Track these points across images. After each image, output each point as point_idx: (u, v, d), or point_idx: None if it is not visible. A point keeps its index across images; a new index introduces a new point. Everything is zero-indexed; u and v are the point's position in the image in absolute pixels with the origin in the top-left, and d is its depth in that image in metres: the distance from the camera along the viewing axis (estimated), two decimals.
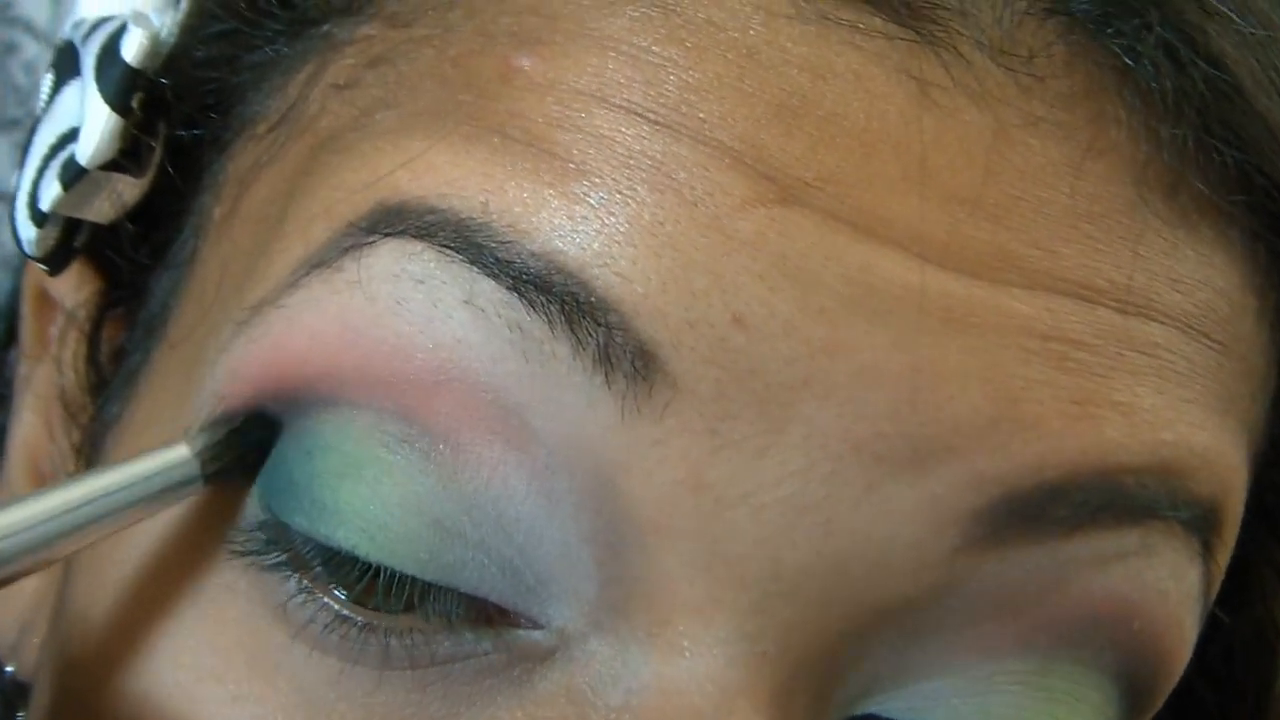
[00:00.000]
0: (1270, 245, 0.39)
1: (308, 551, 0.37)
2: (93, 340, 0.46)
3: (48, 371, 0.47)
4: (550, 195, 0.35)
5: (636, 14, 0.36)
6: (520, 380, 0.36)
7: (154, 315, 0.43)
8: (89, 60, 0.42)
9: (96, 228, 0.44)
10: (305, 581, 0.37)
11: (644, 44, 0.36)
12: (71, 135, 0.42)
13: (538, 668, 0.37)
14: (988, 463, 0.36)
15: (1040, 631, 0.38)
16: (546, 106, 0.36)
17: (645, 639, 0.36)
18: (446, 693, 0.37)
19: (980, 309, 0.36)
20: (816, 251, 0.35)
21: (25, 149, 0.44)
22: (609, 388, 0.35)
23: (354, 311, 0.36)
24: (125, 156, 0.42)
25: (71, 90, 0.43)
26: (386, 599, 0.37)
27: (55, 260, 0.44)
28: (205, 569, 0.38)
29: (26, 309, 0.48)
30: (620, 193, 0.35)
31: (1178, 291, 0.38)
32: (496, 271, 0.35)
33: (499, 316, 0.36)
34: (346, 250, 0.37)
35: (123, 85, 0.41)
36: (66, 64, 0.43)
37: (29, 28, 0.63)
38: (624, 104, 0.36)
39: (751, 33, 0.36)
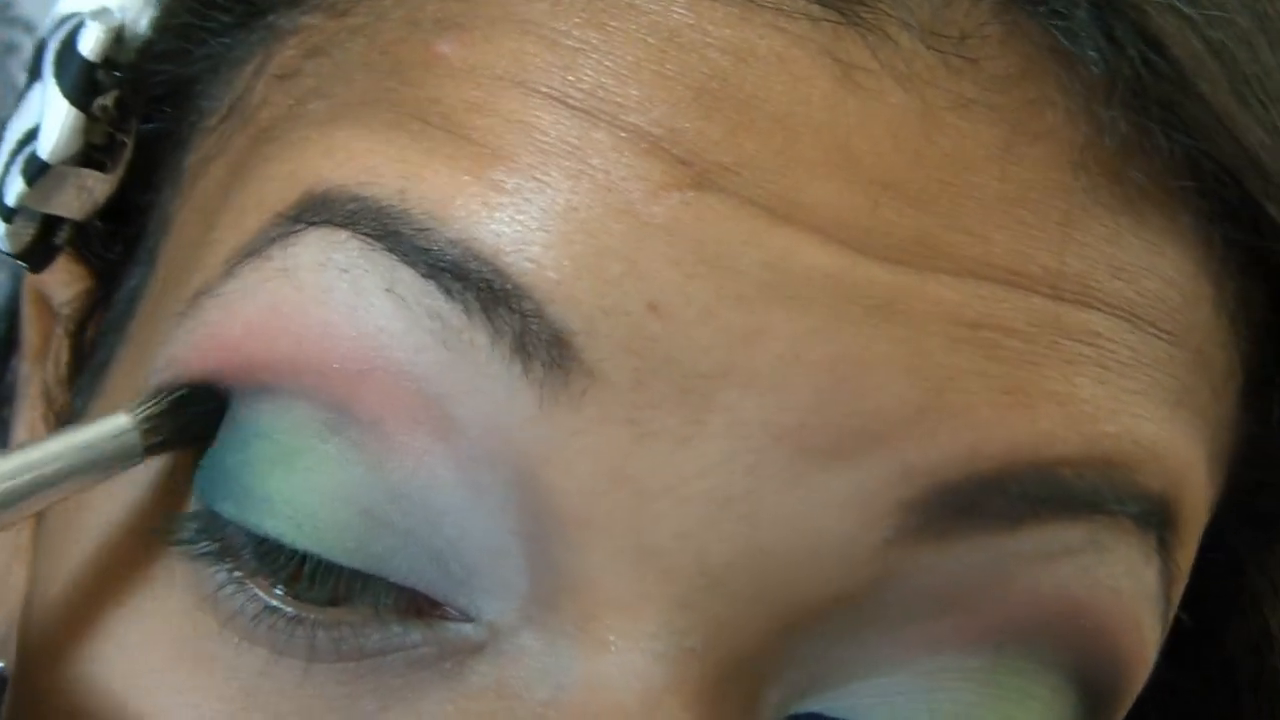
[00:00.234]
0: (1226, 233, 0.38)
1: (238, 540, 0.37)
2: (78, 337, 0.46)
3: (40, 371, 0.48)
4: (467, 181, 0.35)
5: None
6: (442, 369, 0.35)
7: (121, 311, 0.43)
8: (49, 56, 0.42)
9: (79, 224, 0.44)
10: (236, 571, 0.37)
11: (564, 28, 0.36)
12: (35, 132, 0.42)
13: (468, 661, 0.37)
14: (916, 453, 0.35)
15: (986, 628, 0.37)
16: (465, 92, 0.36)
17: (574, 633, 0.36)
18: (378, 685, 0.37)
19: (905, 296, 0.35)
20: (733, 237, 0.35)
21: None
22: (527, 376, 0.35)
23: (283, 300, 0.36)
24: (97, 152, 0.42)
25: (39, 88, 0.43)
26: (314, 588, 0.37)
27: (34, 257, 0.45)
28: (147, 558, 0.38)
29: (28, 310, 0.49)
30: (536, 178, 0.35)
31: (1120, 279, 0.37)
32: (414, 259, 0.35)
33: (419, 305, 0.35)
34: (275, 239, 0.37)
35: (80, 79, 0.41)
36: (36, 63, 0.44)
37: (29, 28, 0.64)
38: (542, 89, 0.35)
39: (674, 15, 0.36)
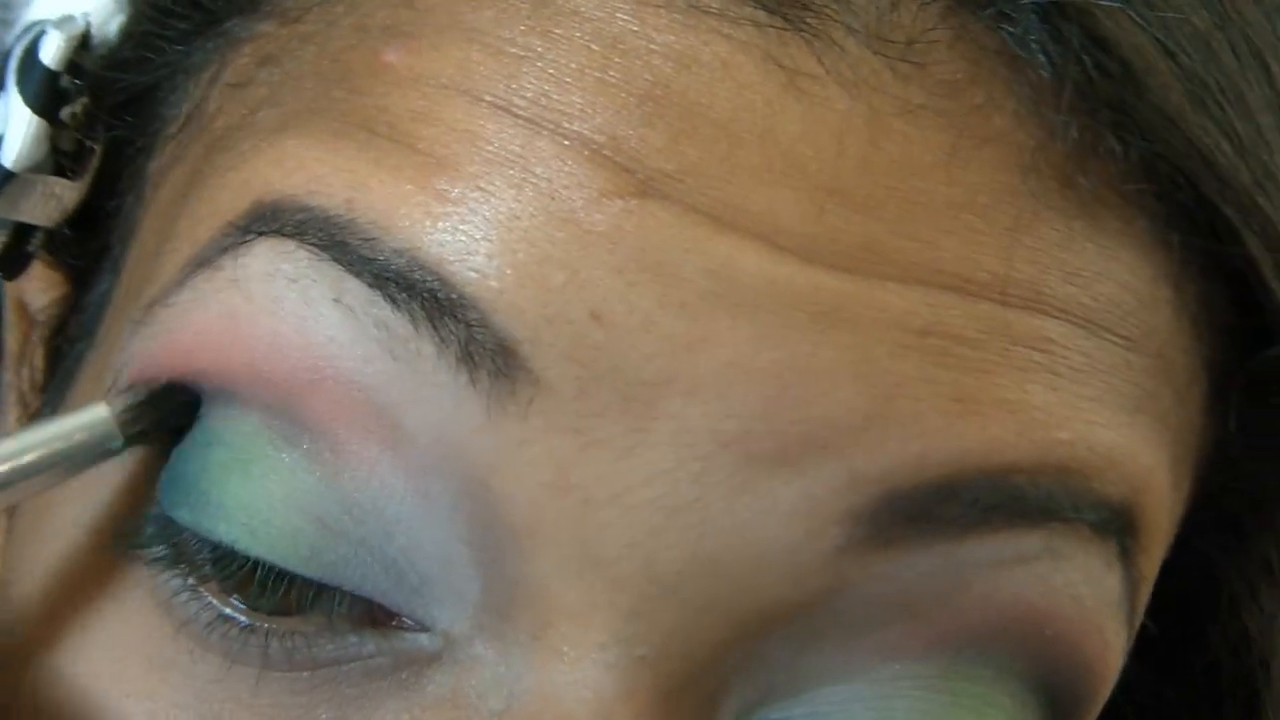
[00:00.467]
0: (1184, 236, 0.37)
1: (193, 547, 0.37)
2: (53, 343, 0.46)
3: (17, 380, 0.48)
4: (411, 191, 0.35)
5: (504, 5, 0.36)
6: (390, 379, 0.35)
7: (90, 317, 0.43)
8: (12, 65, 0.42)
9: (52, 232, 0.44)
10: (190, 579, 0.37)
11: (508, 35, 0.36)
12: (0, 140, 0.42)
13: (425, 670, 0.37)
14: (864, 461, 0.35)
15: (941, 635, 0.37)
16: (412, 101, 0.36)
17: (528, 642, 0.36)
18: (333, 695, 0.37)
19: (851, 303, 0.35)
20: (676, 245, 0.34)
21: None
22: (474, 386, 0.35)
23: (234, 310, 0.36)
24: (65, 159, 0.43)
25: (2, 96, 0.43)
26: (267, 597, 0.37)
27: (7, 265, 0.45)
28: (107, 562, 0.38)
29: (8, 317, 0.49)
30: (480, 188, 0.35)
31: (1073, 284, 0.36)
32: (360, 269, 0.35)
33: (366, 315, 0.35)
34: (226, 249, 0.37)
35: (42, 88, 0.41)
36: (0, 71, 0.44)
37: None
38: (487, 98, 0.35)
39: (617, 22, 0.35)
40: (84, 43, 0.42)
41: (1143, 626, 0.41)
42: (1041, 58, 0.35)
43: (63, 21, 0.42)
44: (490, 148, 0.35)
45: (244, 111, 0.39)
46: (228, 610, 0.37)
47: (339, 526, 0.36)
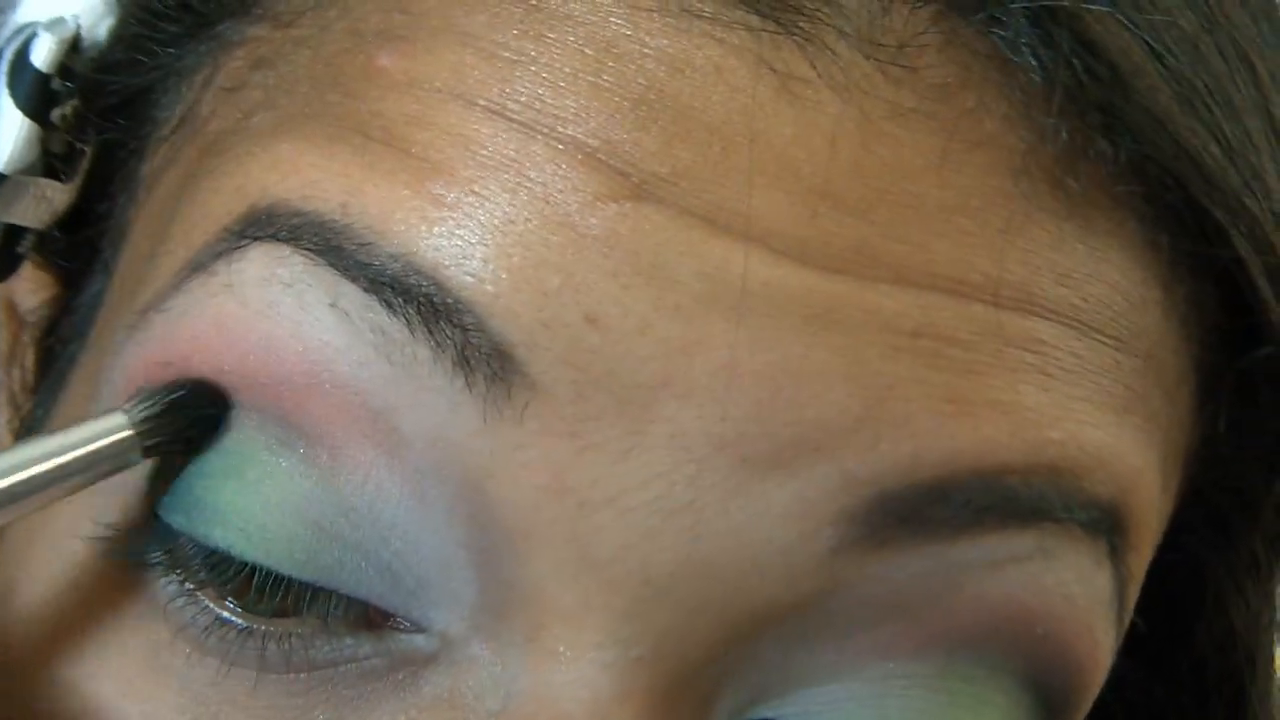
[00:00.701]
0: (1173, 237, 0.38)
1: (188, 551, 0.37)
2: (43, 344, 0.46)
3: (8, 378, 0.48)
4: (407, 195, 0.35)
5: (498, 9, 0.36)
6: (386, 383, 0.35)
7: (83, 318, 0.43)
8: (3, 67, 0.42)
9: (42, 234, 0.44)
10: (187, 584, 0.37)
11: (502, 39, 0.36)
12: None
13: (421, 672, 0.37)
14: (857, 462, 0.35)
15: (935, 635, 0.37)
16: (406, 105, 0.36)
17: (524, 643, 0.36)
18: (330, 696, 0.37)
19: (843, 305, 0.35)
20: (670, 248, 0.35)
21: None
22: (470, 390, 0.35)
23: (228, 315, 0.37)
24: (56, 161, 0.43)
25: None
26: (264, 600, 0.37)
27: None
28: (104, 568, 0.38)
29: None
30: (475, 192, 0.35)
31: (1064, 286, 0.36)
32: (356, 274, 0.35)
33: (362, 320, 0.35)
34: (221, 254, 0.37)
35: (33, 90, 0.41)
36: None
37: None
38: (481, 102, 0.35)
39: (611, 26, 0.35)
40: (74, 45, 0.42)
41: (1132, 624, 0.41)
42: (1032, 61, 0.36)
43: (53, 24, 0.42)
44: (485, 152, 0.35)
45: (238, 115, 0.39)
46: (225, 614, 0.37)
47: (335, 530, 0.36)
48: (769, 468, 0.35)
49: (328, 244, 0.36)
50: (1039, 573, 0.37)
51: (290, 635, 0.37)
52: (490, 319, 0.35)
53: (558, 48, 0.35)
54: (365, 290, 0.35)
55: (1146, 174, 0.37)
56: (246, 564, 0.37)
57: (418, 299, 0.35)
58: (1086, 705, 0.40)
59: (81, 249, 0.44)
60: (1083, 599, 0.38)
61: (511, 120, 0.35)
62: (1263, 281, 0.39)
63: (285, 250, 0.36)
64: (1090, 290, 0.37)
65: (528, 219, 0.35)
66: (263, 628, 0.37)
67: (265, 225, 0.36)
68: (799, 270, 0.35)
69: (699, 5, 0.35)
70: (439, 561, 0.36)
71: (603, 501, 0.35)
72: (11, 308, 0.48)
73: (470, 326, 0.35)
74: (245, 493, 0.37)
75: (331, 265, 0.36)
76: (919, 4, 0.36)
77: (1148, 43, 0.37)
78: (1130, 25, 0.36)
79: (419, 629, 0.37)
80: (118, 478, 0.38)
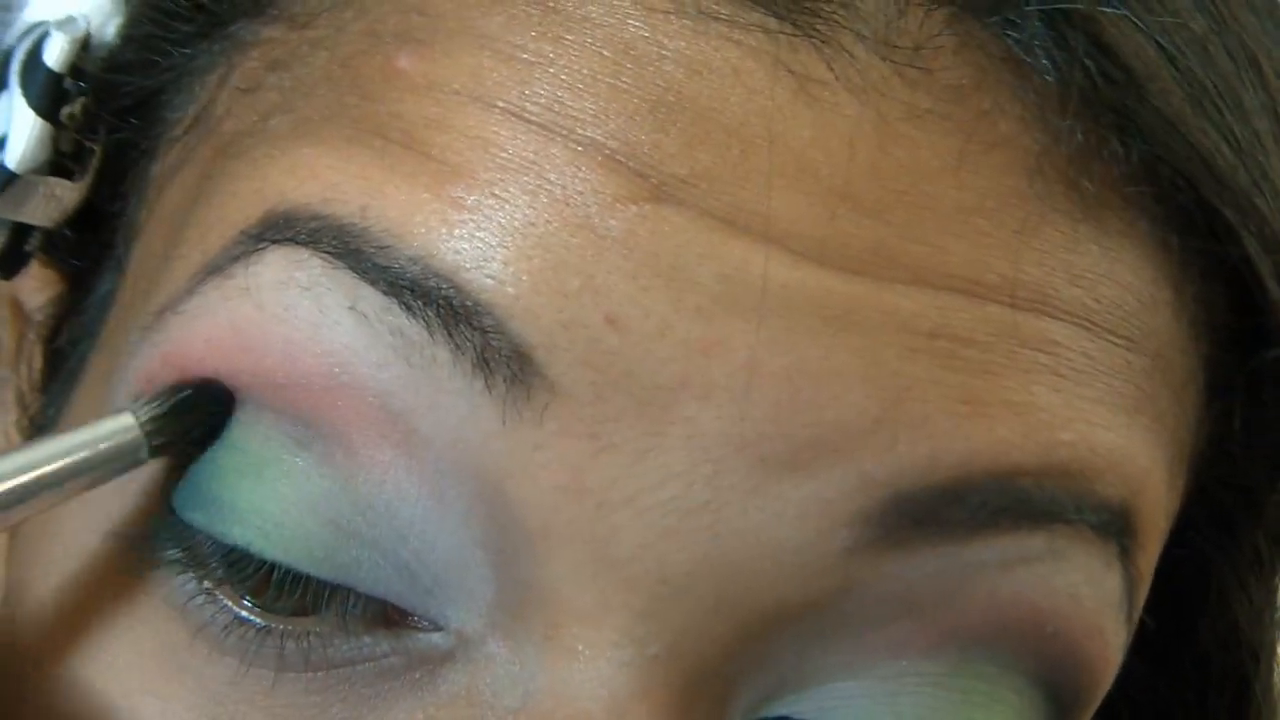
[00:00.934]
0: (1183, 237, 0.38)
1: (206, 550, 0.37)
2: (51, 343, 0.46)
3: (15, 377, 0.48)
4: (426, 199, 0.35)
5: (515, 11, 0.36)
6: (405, 385, 0.36)
7: (93, 318, 0.43)
8: (15, 66, 0.42)
9: (50, 232, 0.44)
10: (206, 583, 0.37)
11: (520, 41, 0.36)
12: (3, 141, 0.42)
13: (438, 670, 0.37)
14: (874, 463, 0.35)
15: (947, 633, 0.38)
16: (425, 108, 0.36)
17: (541, 642, 0.36)
18: (347, 695, 0.37)
19: (861, 306, 0.35)
20: (690, 249, 0.35)
21: None
22: (489, 392, 0.35)
23: (244, 318, 0.37)
24: (66, 160, 0.43)
25: (4, 97, 0.43)
26: (283, 598, 0.37)
27: (5, 264, 0.45)
28: (120, 567, 0.39)
29: (2, 314, 0.49)
30: (494, 194, 0.35)
31: (1077, 286, 0.37)
32: (375, 277, 0.35)
33: (381, 322, 0.36)
34: (237, 257, 0.37)
35: (46, 89, 0.41)
36: (3, 71, 0.44)
37: None
38: (499, 104, 0.36)
39: (629, 28, 0.36)
40: (84, 45, 0.42)
41: (1139, 620, 0.41)
42: (1046, 63, 0.36)
43: (65, 23, 0.42)
44: (504, 154, 0.35)
45: (254, 117, 0.39)
46: (243, 613, 0.37)
47: (352, 529, 0.37)
48: (786, 468, 0.35)
49: (346, 247, 0.36)
50: (1049, 574, 0.37)
51: (308, 634, 0.37)
52: (510, 321, 0.35)
53: (576, 50, 0.36)
54: (384, 293, 0.35)
55: (1158, 175, 0.37)
56: (265, 562, 0.37)
57: (437, 302, 0.35)
58: (1096, 702, 0.40)
59: (90, 248, 0.44)
60: (1092, 600, 0.38)
61: (530, 122, 0.35)
62: (1271, 282, 0.39)
63: (303, 253, 0.36)
64: (1103, 291, 0.37)
65: (548, 221, 0.35)
66: (281, 626, 0.37)
67: (283, 229, 0.36)
68: (817, 271, 0.35)
69: (716, 8, 0.36)
70: (456, 560, 0.36)
71: (621, 501, 0.35)
72: (18, 306, 0.48)
73: (490, 329, 0.35)
74: (263, 491, 0.37)
75: (350, 268, 0.36)
76: (934, 6, 0.36)
77: (1160, 45, 0.37)
78: (1143, 27, 0.37)
79: (436, 627, 0.37)
80: (132, 476, 0.38)
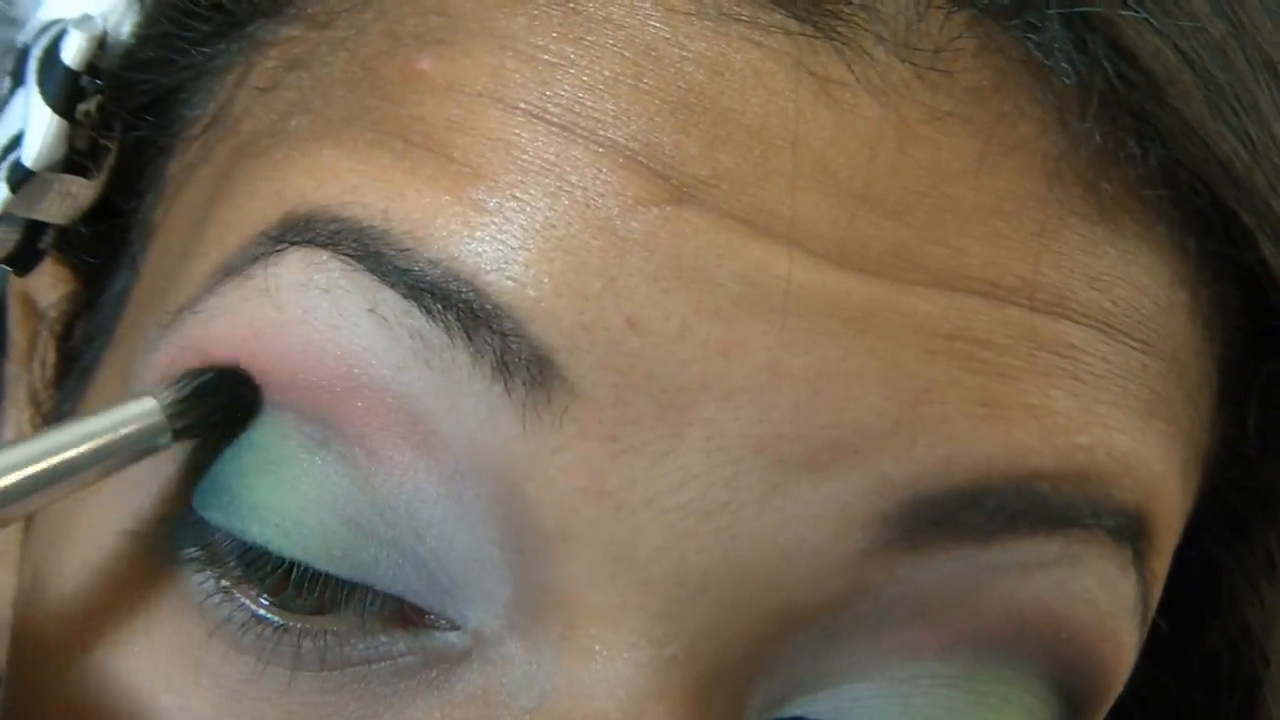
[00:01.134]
0: (1200, 240, 0.38)
1: (225, 547, 0.37)
2: (63, 340, 0.47)
3: (27, 373, 0.48)
4: (448, 201, 0.35)
5: (536, 12, 0.36)
6: (425, 387, 0.36)
7: (107, 315, 0.43)
8: (32, 64, 0.42)
9: (63, 229, 0.44)
10: (224, 581, 0.37)
11: (541, 43, 0.36)
12: (19, 138, 0.42)
13: (454, 669, 0.37)
14: (892, 466, 0.35)
15: (962, 637, 0.38)
16: (446, 110, 0.36)
17: (558, 642, 0.36)
18: (363, 693, 0.37)
19: (881, 308, 0.35)
20: (710, 251, 0.35)
21: None
22: (509, 395, 0.35)
23: (264, 319, 0.37)
24: (81, 157, 0.43)
25: (22, 94, 0.43)
26: (301, 597, 0.37)
27: (19, 261, 0.45)
28: (138, 563, 0.39)
29: (13, 311, 0.49)
30: (516, 197, 0.35)
31: (1095, 289, 0.37)
32: (395, 280, 0.35)
33: (401, 325, 0.36)
34: (256, 259, 0.37)
35: (63, 88, 0.41)
36: (19, 69, 0.44)
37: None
38: (521, 105, 0.36)
39: (650, 30, 0.36)
40: (101, 43, 0.42)
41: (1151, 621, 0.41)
42: (1066, 66, 0.36)
43: (82, 21, 0.42)
44: (525, 156, 0.35)
45: (273, 117, 0.39)
46: (261, 611, 0.37)
47: (370, 528, 0.37)
48: (805, 470, 0.35)
49: (367, 250, 0.36)
50: (1065, 579, 0.37)
51: (326, 633, 0.37)
52: (530, 324, 0.35)
53: (597, 51, 0.36)
54: (404, 296, 0.35)
55: (1176, 178, 0.37)
56: (283, 560, 0.37)
57: (457, 305, 0.35)
58: (1109, 704, 0.40)
59: (104, 245, 0.44)
60: (1107, 604, 0.38)
61: (552, 124, 0.35)
62: None
63: (323, 255, 0.36)
64: (1120, 293, 0.37)
65: (569, 223, 0.35)
66: (298, 625, 0.37)
67: (303, 231, 0.36)
68: (837, 273, 0.35)
69: (737, 9, 0.36)
70: (474, 561, 0.36)
71: (640, 503, 0.35)
72: (30, 303, 0.48)
73: (509, 332, 0.35)
74: (281, 489, 0.37)
75: (370, 271, 0.36)
76: (954, 9, 0.36)
77: (1179, 48, 0.37)
78: (1162, 30, 0.37)
79: (453, 627, 0.37)
80: (151, 472, 0.38)
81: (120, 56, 0.43)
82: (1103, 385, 0.37)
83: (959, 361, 0.36)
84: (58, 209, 0.43)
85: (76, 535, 0.39)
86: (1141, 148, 0.37)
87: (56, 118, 0.41)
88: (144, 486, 0.38)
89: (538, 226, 0.35)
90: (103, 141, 0.43)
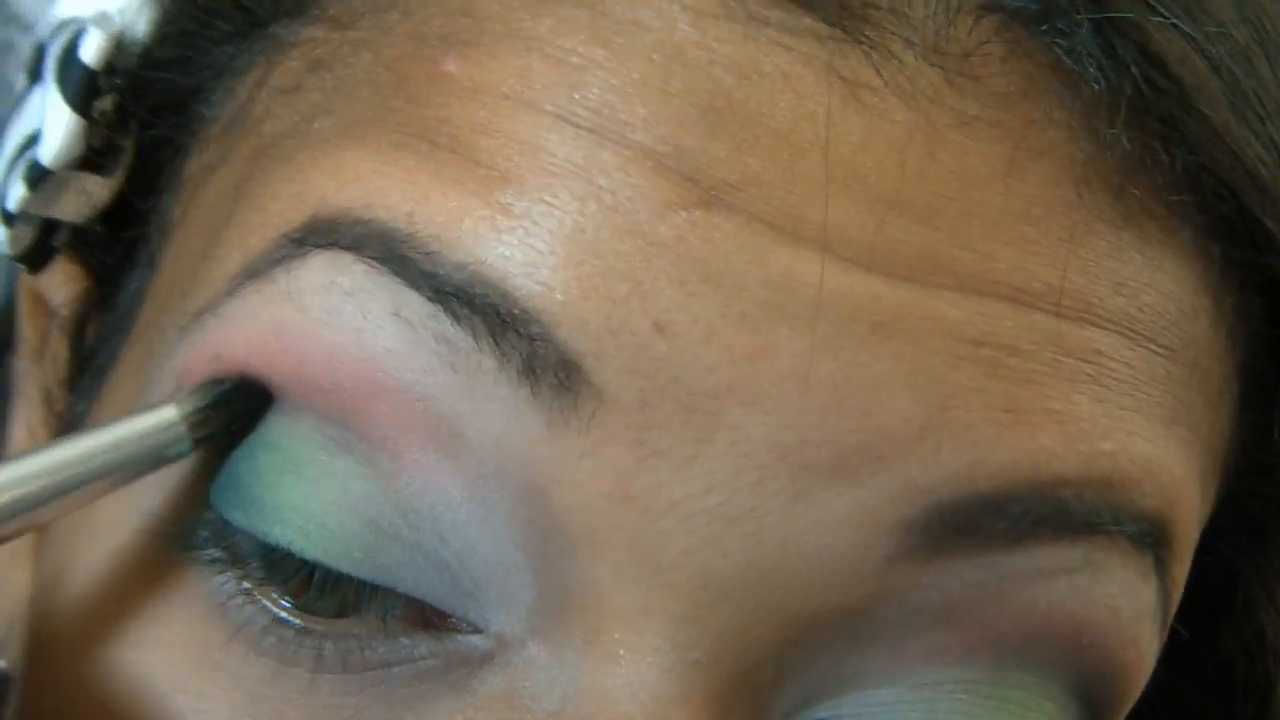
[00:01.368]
0: (1224, 247, 0.38)
1: (246, 549, 0.37)
2: (76, 338, 0.46)
3: (39, 371, 0.48)
4: (474, 204, 0.35)
5: (563, 14, 0.36)
6: (450, 391, 0.36)
7: (122, 314, 0.43)
8: (50, 62, 0.42)
9: (78, 227, 0.44)
10: (245, 583, 0.37)
11: (569, 45, 0.36)
12: (37, 136, 0.42)
13: (477, 672, 0.37)
14: (918, 472, 0.35)
15: (984, 643, 0.38)
16: (472, 112, 0.36)
17: (581, 646, 0.36)
18: (385, 696, 0.37)
19: (908, 313, 0.35)
20: (738, 255, 0.35)
21: None
22: (535, 399, 0.35)
23: (287, 322, 0.36)
24: (97, 155, 0.43)
25: (39, 92, 0.43)
26: (323, 599, 0.37)
27: (33, 259, 0.45)
28: (158, 563, 0.38)
29: (23, 308, 0.49)
30: (544, 200, 0.35)
31: (1121, 295, 0.37)
32: (420, 283, 0.35)
33: (425, 329, 0.35)
34: (279, 261, 0.37)
35: (82, 86, 0.41)
36: (36, 66, 0.44)
37: (25, 26, 0.64)
38: (548, 108, 0.35)
39: (678, 33, 0.36)
40: (119, 41, 0.42)
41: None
42: (1094, 72, 0.36)
43: (100, 19, 0.42)
44: (553, 159, 0.35)
45: (295, 118, 0.38)
46: (282, 614, 0.37)
47: (393, 530, 0.36)
48: (831, 475, 0.35)
49: (391, 253, 0.35)
50: (1087, 585, 0.37)
51: (348, 635, 0.37)
52: (557, 328, 0.35)
53: (626, 54, 0.35)
54: (429, 300, 0.35)
55: (1201, 184, 0.37)
56: (305, 563, 0.37)
57: (484, 309, 0.35)
58: (1127, 709, 0.40)
59: (120, 244, 0.44)
60: (1128, 611, 0.38)
61: (580, 127, 0.35)
62: None
63: (346, 258, 0.36)
64: (1145, 299, 0.37)
65: (598, 227, 0.35)
66: (320, 628, 0.37)
67: (327, 234, 0.36)
68: (865, 278, 0.35)
69: (766, 13, 0.35)
70: (498, 564, 0.36)
71: (666, 508, 0.35)
72: (40, 300, 0.48)
73: (537, 336, 0.35)
74: (304, 490, 0.37)
75: (395, 274, 0.35)
76: (983, 14, 0.36)
77: (1206, 54, 0.37)
78: (1190, 36, 0.37)
79: (476, 630, 0.37)
80: (171, 473, 0.38)
81: (138, 55, 0.42)
82: (1126, 391, 0.37)
83: (985, 367, 0.35)
84: (74, 207, 0.43)
85: (94, 534, 0.39)
86: (1168, 154, 0.37)
87: (75, 116, 0.41)
88: (164, 487, 0.38)
89: (566, 230, 0.35)
90: (119, 140, 0.43)
